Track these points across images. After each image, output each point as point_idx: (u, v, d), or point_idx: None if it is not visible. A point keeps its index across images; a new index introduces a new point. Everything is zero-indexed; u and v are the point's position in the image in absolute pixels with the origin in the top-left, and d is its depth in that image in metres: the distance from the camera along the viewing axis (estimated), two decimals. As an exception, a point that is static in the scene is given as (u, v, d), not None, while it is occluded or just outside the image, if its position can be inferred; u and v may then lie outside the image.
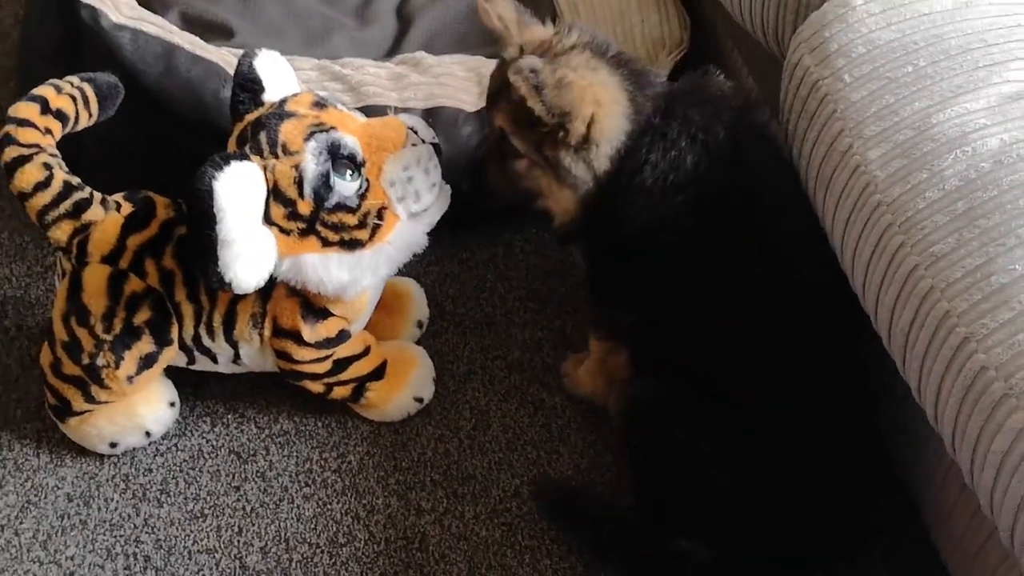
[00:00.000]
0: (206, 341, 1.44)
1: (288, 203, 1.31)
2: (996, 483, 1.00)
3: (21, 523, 1.45)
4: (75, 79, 1.41)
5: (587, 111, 1.29)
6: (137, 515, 1.47)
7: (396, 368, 1.54)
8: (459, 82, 1.80)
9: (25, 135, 1.37)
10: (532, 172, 1.37)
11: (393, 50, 1.92)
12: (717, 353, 1.32)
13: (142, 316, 1.39)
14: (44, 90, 1.39)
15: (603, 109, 1.30)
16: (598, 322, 1.54)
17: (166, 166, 1.63)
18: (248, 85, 1.40)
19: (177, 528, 1.45)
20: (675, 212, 1.31)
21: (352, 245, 1.36)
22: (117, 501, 1.48)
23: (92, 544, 1.44)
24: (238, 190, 1.27)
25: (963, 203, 1.11)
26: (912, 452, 1.39)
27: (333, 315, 1.43)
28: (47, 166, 1.38)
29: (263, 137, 1.33)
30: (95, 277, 1.39)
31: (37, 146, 1.38)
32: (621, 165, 1.32)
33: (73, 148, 1.70)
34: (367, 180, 1.35)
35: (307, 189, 1.32)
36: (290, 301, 1.42)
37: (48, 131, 1.39)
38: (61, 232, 1.39)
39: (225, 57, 1.70)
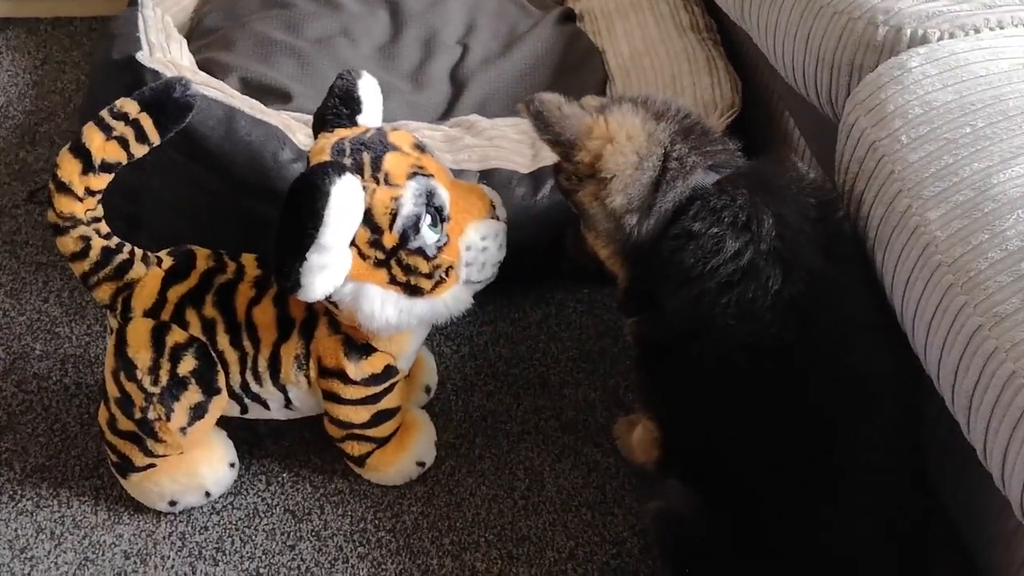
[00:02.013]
0: (254, 387, 1.45)
1: (376, 230, 1.33)
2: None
3: (79, 581, 1.46)
4: (131, 108, 1.36)
5: (593, 144, 1.30)
6: (193, 573, 1.47)
7: (399, 432, 1.55)
8: (512, 144, 1.83)
9: (61, 203, 1.37)
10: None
11: (447, 114, 1.95)
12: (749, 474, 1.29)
13: (187, 366, 1.41)
14: (91, 136, 1.35)
15: (613, 145, 1.29)
16: (644, 402, 1.52)
17: (225, 228, 1.67)
18: (348, 100, 1.42)
19: (234, 588, 1.46)
20: (721, 306, 1.26)
21: (414, 291, 1.37)
22: (173, 559, 1.48)
23: (149, 604, 1.44)
24: (350, 201, 1.29)
25: (1026, 264, 1.11)
26: (974, 516, 1.37)
27: (377, 351, 1.44)
28: (84, 238, 1.39)
29: (366, 159, 1.34)
30: (138, 331, 1.41)
31: (72, 217, 1.38)
32: (657, 228, 1.30)
33: (133, 209, 1.75)
34: (447, 236, 1.37)
35: (398, 224, 1.33)
36: (332, 340, 1.43)
37: (88, 192, 1.37)
38: (104, 292, 1.42)
39: (284, 120, 1.73)
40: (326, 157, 1.35)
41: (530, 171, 1.77)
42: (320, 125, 1.43)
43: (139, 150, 1.38)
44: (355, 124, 1.41)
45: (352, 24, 2.04)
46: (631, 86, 2.00)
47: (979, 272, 1.13)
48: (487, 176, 1.73)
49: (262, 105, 1.74)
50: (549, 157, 1.79)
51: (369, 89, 1.45)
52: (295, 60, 1.93)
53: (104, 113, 1.37)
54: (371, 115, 1.44)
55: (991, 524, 1.33)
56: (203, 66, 1.85)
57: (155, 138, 1.38)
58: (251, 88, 1.83)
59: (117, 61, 1.68)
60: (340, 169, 1.27)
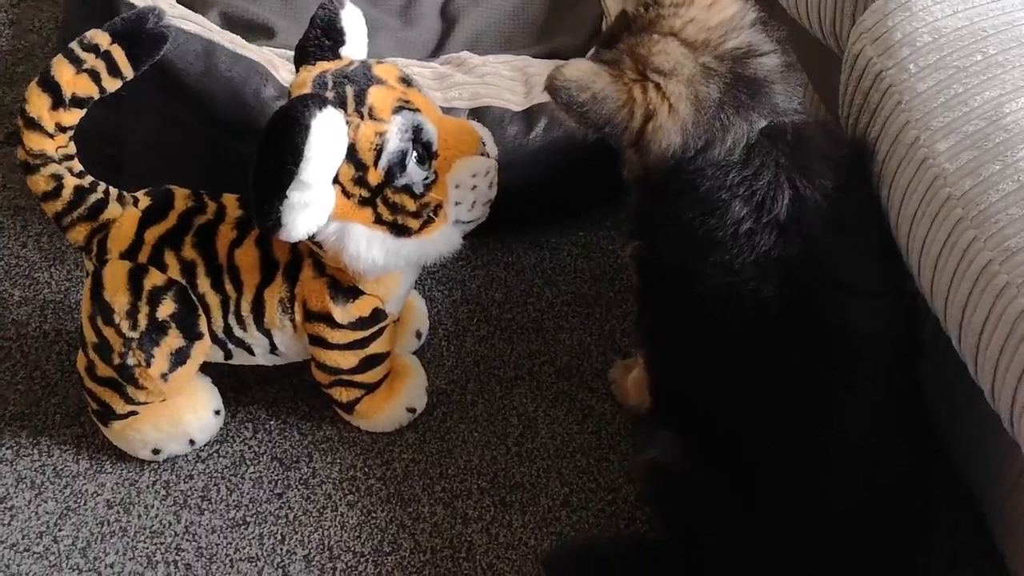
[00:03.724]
0: (238, 332, 1.40)
1: (360, 167, 1.27)
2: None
3: (60, 530, 1.42)
4: (103, 39, 1.30)
5: (635, 123, 1.21)
6: (178, 522, 1.43)
7: (389, 378, 1.51)
8: (504, 81, 1.77)
9: (31, 140, 1.31)
10: None
11: (437, 50, 1.89)
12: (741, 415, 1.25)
13: (166, 310, 1.36)
14: (60, 70, 1.29)
15: (655, 123, 1.20)
16: (641, 339, 1.48)
17: (207, 168, 1.61)
18: (330, 32, 1.35)
19: (219, 536, 1.42)
20: (710, 260, 1.21)
21: (401, 231, 1.32)
22: (158, 508, 1.44)
23: (132, 552, 1.40)
24: (332, 135, 1.23)
25: (1040, 195, 1.06)
26: (978, 459, 1.33)
27: (364, 293, 1.39)
28: (55, 176, 1.33)
29: (350, 92, 1.28)
30: (114, 274, 1.36)
31: (43, 154, 1.32)
32: (671, 179, 1.23)
33: (113, 151, 1.70)
34: (435, 173, 1.32)
35: (383, 161, 1.28)
36: (318, 282, 1.38)
37: (60, 128, 1.31)
38: (78, 233, 1.37)
39: (266, 56, 1.67)
40: (307, 91, 1.29)
41: (523, 109, 1.71)
42: (302, 58, 1.36)
43: (111, 84, 1.32)
44: (338, 57, 1.35)
45: (338, -41, 1.97)
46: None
47: (990, 205, 1.08)
48: (478, 114, 1.67)
49: (243, 40, 1.68)
50: (543, 95, 1.73)
51: (353, 20, 1.38)
52: (279, -6, 1.87)
53: (74, 45, 1.30)
54: (355, 47, 1.38)
55: (997, 468, 1.30)
56: (182, 2, 1.78)
57: (128, 71, 1.32)
58: (232, 23, 1.77)
59: (89, -5, 1.62)
60: (321, 102, 1.21)
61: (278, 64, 1.66)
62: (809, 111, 1.30)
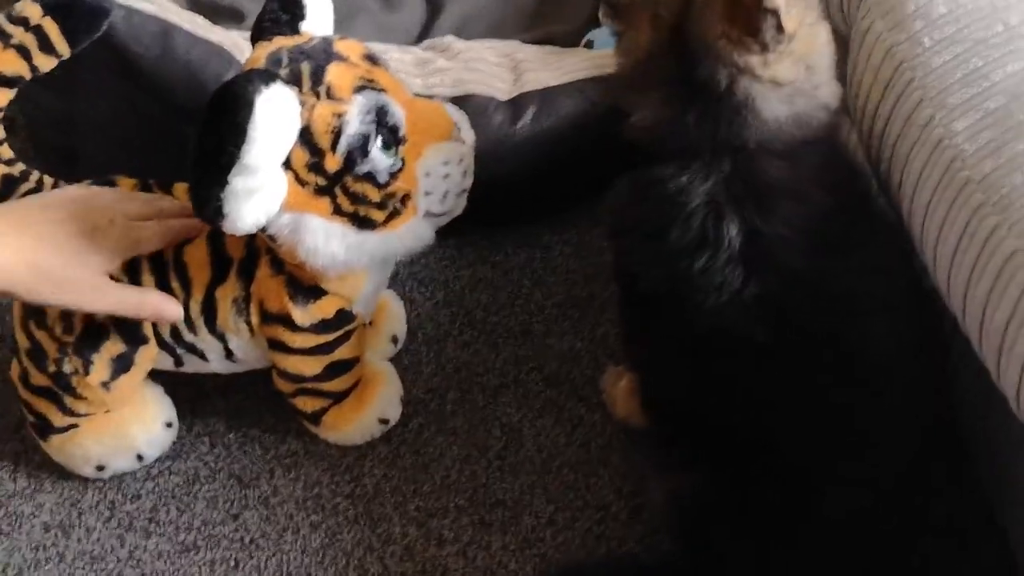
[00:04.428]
0: (187, 336, 1.28)
1: (315, 152, 1.15)
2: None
3: (-9, 556, 1.31)
4: (34, 12, 1.20)
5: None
6: (122, 547, 1.31)
7: (360, 386, 1.38)
8: (491, 68, 1.65)
9: None
10: None
11: (421, 37, 1.78)
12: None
13: None
14: None
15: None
16: (626, 356, 1.38)
17: (167, 157, 1.49)
18: (289, 4, 1.22)
19: (165, 562, 1.30)
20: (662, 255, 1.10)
21: (364, 223, 1.19)
22: (100, 531, 1.33)
23: (69, 579, 1.29)
24: (278, 114, 1.10)
25: (1071, 177, 0.93)
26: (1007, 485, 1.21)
27: (327, 293, 1.27)
28: None
29: (305, 69, 1.15)
30: None
31: None
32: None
33: (67, 141, 1.60)
34: (403, 160, 1.19)
35: (342, 145, 1.15)
36: (275, 281, 1.26)
37: None
38: None
39: (232, 39, 1.56)
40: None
41: (510, 97, 1.59)
42: (258, 34, 1.24)
43: (45, 62, 1.21)
44: (297, 32, 1.23)
45: (317, -59, 1.86)
46: (625, 7, 1.82)
47: (1013, 188, 0.96)
48: (461, 102, 1.55)
49: (207, 22, 1.57)
50: (531, 82, 1.62)
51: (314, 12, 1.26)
52: (250, -23, 1.76)
53: (1, 21, 1.19)
54: (318, 22, 1.25)
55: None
56: (148, -15, 1.68)
57: (63, 48, 1.22)
58: (200, 7, 1.66)
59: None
60: (268, 77, 1.09)
61: (244, 48, 1.55)
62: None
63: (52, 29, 1.20)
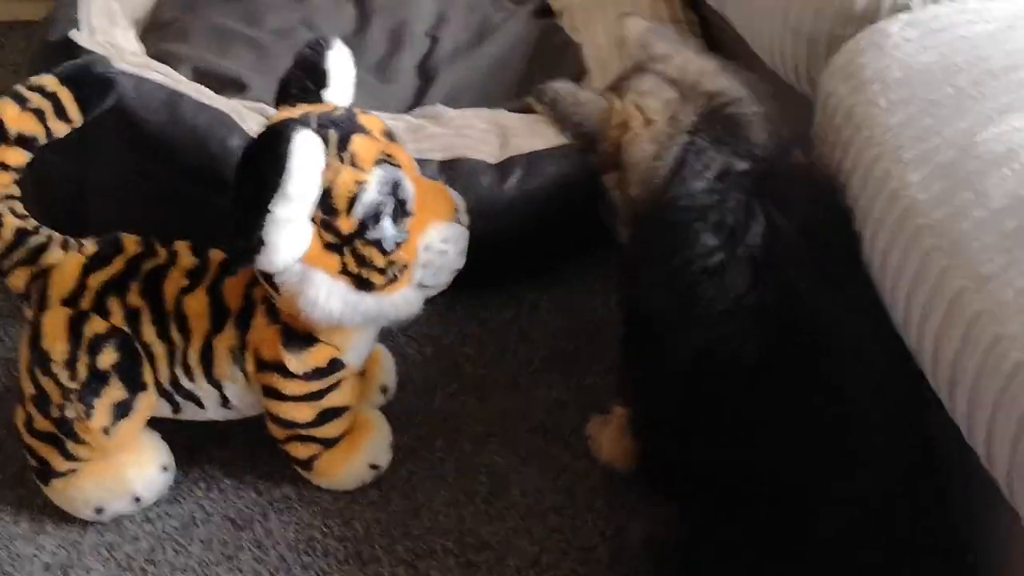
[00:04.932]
0: (186, 383, 1.34)
1: (331, 211, 1.23)
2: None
3: (-7, 595, 1.35)
4: (49, 82, 1.30)
5: (613, 132, 1.22)
6: (119, 586, 1.36)
7: (351, 433, 1.44)
8: (479, 134, 1.73)
9: None
10: None
11: (414, 106, 1.86)
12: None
13: (108, 359, 1.30)
14: (5, 108, 1.28)
15: (630, 134, 1.21)
16: (621, 387, 1.43)
17: (174, 219, 1.57)
18: (313, 73, 1.31)
19: (162, 600, 1.35)
20: (685, 300, 1.17)
21: (364, 285, 1.27)
22: (99, 571, 1.37)
23: (68, 617, 1.33)
24: (314, 155, 1.20)
25: (1013, 222, 1.00)
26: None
27: (319, 341, 1.33)
28: None
29: (333, 136, 1.24)
30: (54, 321, 1.30)
31: None
32: (648, 214, 1.22)
33: (78, 205, 1.66)
34: (407, 233, 1.28)
35: (358, 210, 1.24)
36: (270, 330, 1.33)
37: (3, 167, 1.29)
38: (17, 279, 1.33)
39: (234, 106, 1.64)
40: None
41: (498, 161, 1.67)
42: (282, 98, 1.33)
43: (58, 127, 1.30)
44: (319, 100, 1.31)
45: (315, 15, 1.96)
46: (609, 79, 1.90)
47: (962, 233, 1.03)
48: (451, 166, 1.64)
49: (211, 92, 1.65)
50: (517, 147, 1.70)
51: (340, 61, 1.34)
52: (253, 51, 1.85)
53: (19, 86, 1.29)
54: (340, 92, 1.33)
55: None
56: (155, 57, 1.75)
57: (76, 115, 1.30)
58: (204, 78, 1.74)
59: (53, 43, 1.59)
60: (301, 123, 1.20)
61: (246, 115, 1.63)
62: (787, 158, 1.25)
63: (66, 97, 1.29)
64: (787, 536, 1.15)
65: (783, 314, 1.13)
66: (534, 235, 1.68)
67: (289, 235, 1.21)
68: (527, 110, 1.82)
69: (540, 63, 1.95)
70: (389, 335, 1.61)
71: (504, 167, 1.66)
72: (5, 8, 2.32)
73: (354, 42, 1.91)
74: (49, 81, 1.29)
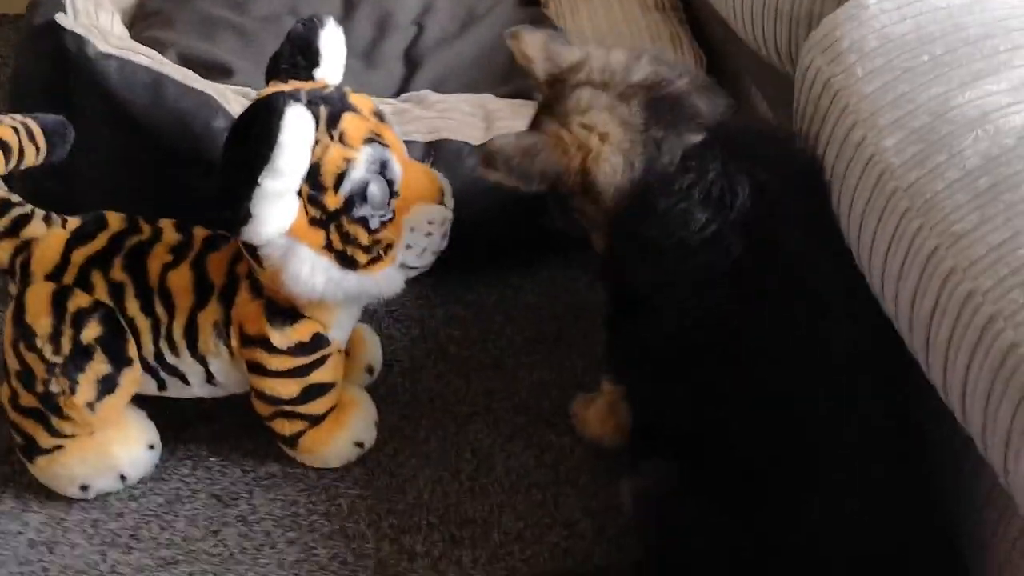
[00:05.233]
0: (170, 358, 1.35)
1: (318, 187, 1.24)
2: (1033, 471, 0.88)
3: (-23, 570, 1.36)
4: (17, 116, 1.34)
5: (574, 162, 1.22)
6: (104, 562, 1.36)
7: (336, 411, 1.44)
8: (464, 117, 1.74)
9: None
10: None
11: (399, 92, 1.86)
12: (726, 437, 1.19)
13: (91, 333, 1.31)
14: None
15: (593, 157, 1.22)
16: (610, 366, 1.43)
17: (158, 201, 1.57)
18: (305, 50, 1.32)
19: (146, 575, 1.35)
20: (681, 274, 1.19)
21: (348, 263, 1.28)
22: (84, 547, 1.37)
23: (52, 592, 1.33)
24: (305, 130, 1.21)
25: (986, 180, 1.01)
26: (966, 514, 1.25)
27: (303, 316, 1.34)
28: None
29: (324, 113, 1.25)
30: (38, 295, 1.31)
31: None
32: (629, 209, 1.22)
33: (64, 190, 1.66)
34: (393, 213, 1.29)
35: (345, 187, 1.25)
36: (254, 304, 1.33)
37: None
38: (1, 252, 1.33)
39: (220, 91, 1.64)
40: None
41: (482, 143, 1.67)
42: (273, 73, 1.34)
43: (28, 149, 1.33)
44: (311, 78, 1.32)
45: (301, 3, 1.96)
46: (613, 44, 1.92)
47: (935, 194, 1.04)
48: (435, 148, 1.64)
49: (196, 75, 1.65)
50: (502, 129, 1.71)
51: (332, 40, 1.35)
52: (238, 37, 1.85)
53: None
54: (331, 70, 1.34)
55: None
56: (141, 43, 1.76)
57: (41, 143, 1.34)
58: (190, 63, 1.74)
59: (38, 26, 1.59)
60: (293, 96, 1.21)
61: (231, 98, 1.63)
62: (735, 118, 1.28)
63: (34, 127, 1.34)
64: (778, 489, 1.16)
65: (780, 272, 1.16)
66: (517, 218, 1.67)
67: (276, 208, 1.22)
68: (513, 96, 1.84)
69: (525, 50, 1.95)
70: (374, 316, 1.62)
71: (489, 148, 1.66)
72: (-10, 3, 2.33)
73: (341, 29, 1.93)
74: (17, 116, 1.34)
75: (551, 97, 1.28)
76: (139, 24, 1.90)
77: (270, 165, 1.18)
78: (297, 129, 1.20)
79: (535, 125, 1.29)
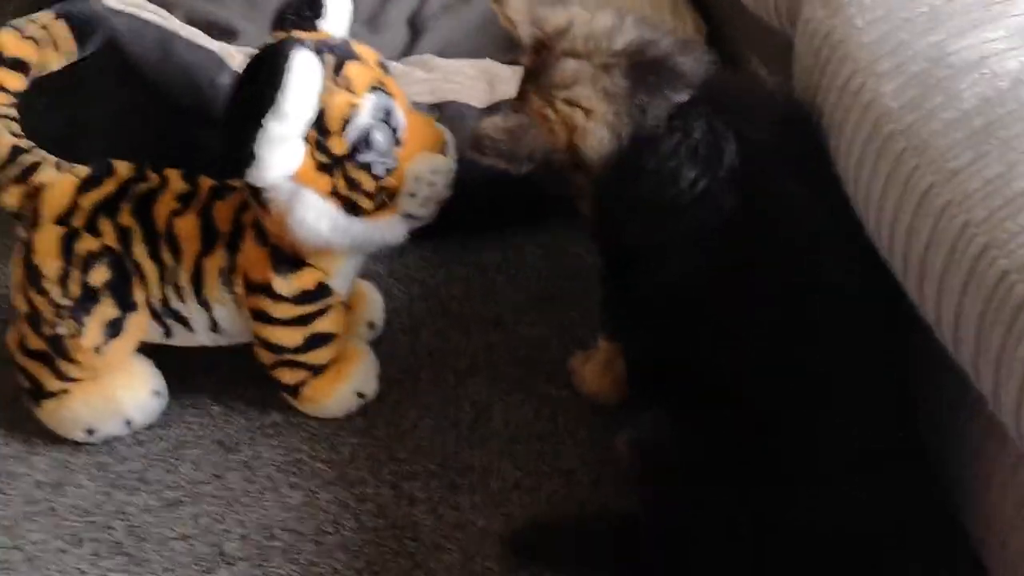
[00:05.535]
0: (175, 304, 1.37)
1: (325, 132, 1.26)
2: (1023, 392, 0.90)
3: (-16, 509, 1.38)
4: (44, 16, 1.36)
5: (561, 139, 1.23)
6: (110, 501, 1.38)
7: (338, 362, 1.47)
8: (468, 80, 1.76)
9: None
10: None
11: (402, 57, 1.88)
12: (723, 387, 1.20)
13: (99, 276, 1.33)
14: (3, 36, 1.34)
15: (579, 132, 1.23)
16: (606, 323, 1.45)
17: (165, 156, 1.59)
18: (312, 2, 1.34)
19: (152, 515, 1.37)
20: (674, 232, 1.21)
21: (352, 209, 1.30)
22: (90, 488, 1.39)
23: (59, 530, 1.35)
24: (311, 70, 1.23)
25: (981, 119, 1.03)
26: (941, 438, 1.27)
27: (307, 264, 1.36)
28: None
29: (330, 60, 1.27)
30: (47, 238, 1.33)
31: None
32: (618, 173, 1.23)
33: (73, 145, 1.68)
34: (397, 160, 1.31)
35: (350, 132, 1.27)
36: (259, 252, 1.35)
37: (1, 88, 1.34)
38: (11, 196, 1.36)
39: (226, 49, 1.66)
40: None
41: (485, 106, 1.69)
42: (279, 24, 1.35)
43: (52, 56, 1.36)
44: (315, 29, 1.34)
45: (306, -31, 1.98)
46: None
47: (932, 133, 1.06)
48: (440, 109, 1.66)
49: (203, 34, 1.67)
50: (506, 92, 1.72)
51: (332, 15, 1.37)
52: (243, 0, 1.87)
53: (16, 20, 1.35)
54: (335, 23, 1.36)
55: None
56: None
57: (70, 47, 1.36)
58: (196, 24, 1.76)
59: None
60: (301, 43, 1.22)
61: (237, 57, 1.65)
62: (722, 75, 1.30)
63: (60, 30, 1.35)
64: (773, 435, 1.17)
65: (772, 223, 1.18)
66: (519, 180, 1.69)
67: (280, 151, 1.24)
68: (516, 62, 1.85)
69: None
70: (375, 277, 1.64)
71: (491, 112, 1.68)
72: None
73: (345, -5, 1.95)
74: (44, 15, 1.35)
75: (537, 64, 1.28)
76: (146, -11, 1.92)
77: (276, 108, 1.20)
78: (304, 74, 1.22)
79: (521, 96, 1.30)
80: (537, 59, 1.28)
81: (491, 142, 1.23)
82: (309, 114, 1.25)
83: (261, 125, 1.21)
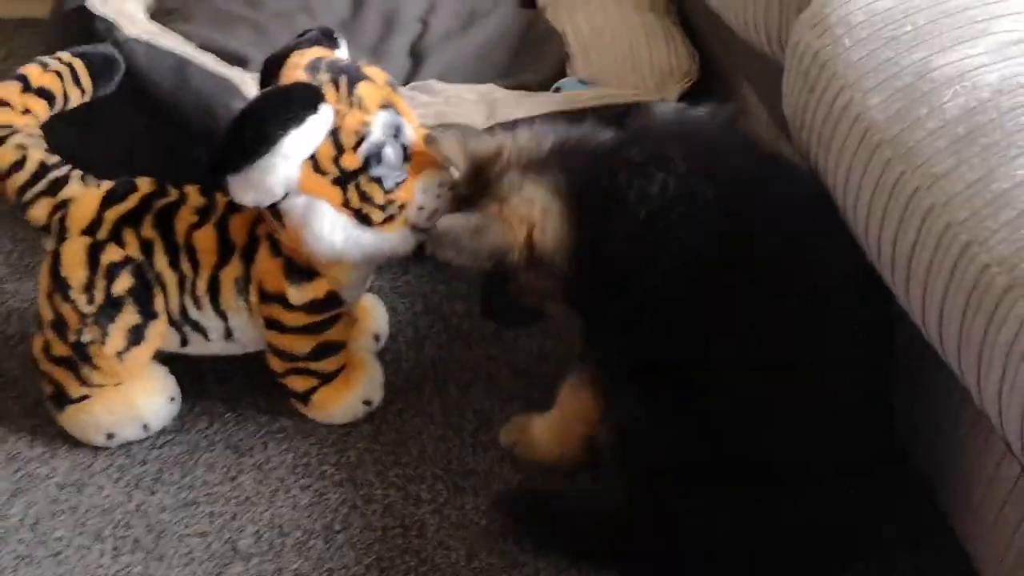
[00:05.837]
0: (193, 313, 1.43)
1: (339, 148, 1.33)
2: (1004, 380, 0.96)
3: (10, 508, 1.42)
4: (65, 55, 1.43)
5: (520, 236, 1.28)
6: (129, 501, 1.43)
7: (346, 370, 1.52)
8: (468, 105, 1.82)
9: (1, 116, 1.39)
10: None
11: (405, 84, 1.94)
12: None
13: (123, 285, 1.39)
14: (29, 68, 1.41)
15: (538, 228, 1.28)
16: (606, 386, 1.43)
17: (177, 179, 1.64)
18: (327, 34, 1.43)
19: (169, 514, 1.41)
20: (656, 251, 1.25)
21: (364, 220, 1.36)
22: (109, 489, 1.44)
23: (81, 527, 1.39)
24: (322, 129, 1.31)
25: (963, 127, 1.09)
26: (930, 436, 1.34)
27: (319, 275, 1.42)
28: (21, 146, 1.40)
29: (343, 81, 1.35)
30: (73, 249, 1.39)
31: (11, 127, 1.40)
32: (591, 258, 1.29)
33: (82, 165, 1.74)
34: (406, 175, 1.37)
35: (363, 148, 1.33)
36: (273, 263, 1.41)
37: (28, 111, 1.40)
38: (40, 210, 1.41)
39: (239, 76, 1.73)
40: (300, 73, 1.35)
41: (487, 127, 1.75)
42: (294, 47, 1.42)
43: (73, 91, 1.42)
44: (332, 47, 1.42)
45: (313, 0, 2.05)
46: (591, 62, 2.01)
47: (917, 142, 1.12)
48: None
49: (217, 59, 1.74)
50: (504, 115, 1.79)
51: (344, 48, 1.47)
52: (253, 31, 1.94)
53: (41, 56, 1.42)
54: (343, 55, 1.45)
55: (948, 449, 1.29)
56: (161, 35, 1.85)
57: (87, 86, 1.43)
58: (208, 53, 1.83)
59: (68, 11, 1.69)
60: (305, 113, 1.30)
61: (250, 84, 1.72)
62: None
63: (80, 68, 1.43)
64: (754, 425, 1.22)
65: (755, 246, 1.24)
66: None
67: (267, 177, 1.30)
68: (516, 88, 1.92)
69: (525, 47, 2.06)
70: (380, 292, 1.70)
71: (492, 133, 1.74)
72: (13, 6, 2.40)
73: (350, 25, 2.03)
74: (64, 55, 1.43)
75: (482, 186, 1.34)
76: (159, 19, 1.98)
77: (274, 148, 1.28)
78: (315, 128, 1.30)
79: (476, 204, 1.34)
80: (480, 183, 1.35)
81: (452, 238, 1.29)
82: (301, 158, 1.31)
83: (255, 156, 1.28)
